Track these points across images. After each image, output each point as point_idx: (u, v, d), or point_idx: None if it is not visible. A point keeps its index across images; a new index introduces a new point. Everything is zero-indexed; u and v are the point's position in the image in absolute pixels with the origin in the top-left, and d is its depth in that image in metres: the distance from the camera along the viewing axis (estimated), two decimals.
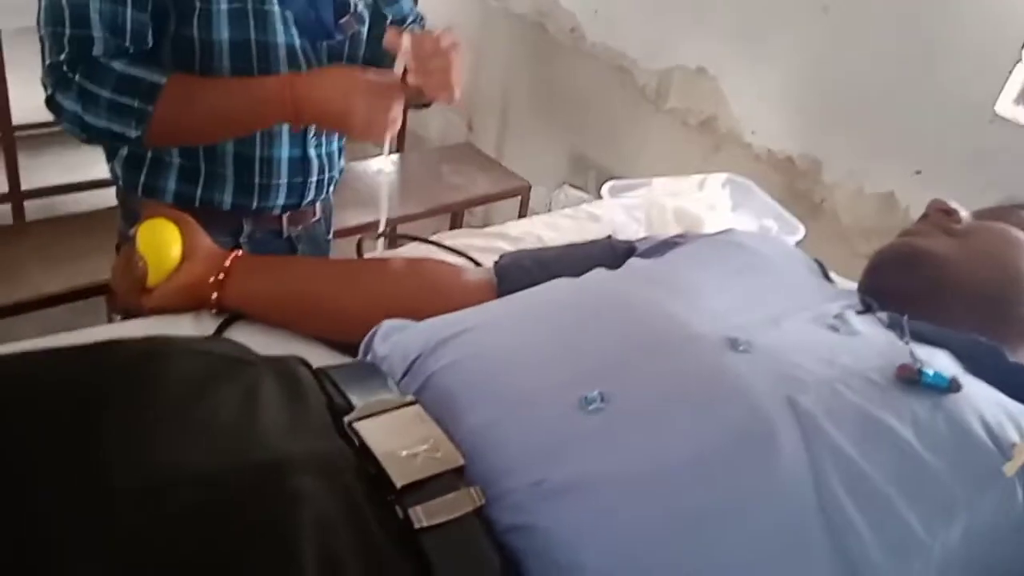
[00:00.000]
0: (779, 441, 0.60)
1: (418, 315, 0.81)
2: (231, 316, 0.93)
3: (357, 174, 2.48)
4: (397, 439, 0.60)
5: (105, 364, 0.62)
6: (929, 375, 0.66)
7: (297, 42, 1.14)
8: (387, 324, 0.80)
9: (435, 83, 1.05)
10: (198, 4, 1.04)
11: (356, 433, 0.61)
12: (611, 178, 1.37)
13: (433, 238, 1.23)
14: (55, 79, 1.01)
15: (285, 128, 1.19)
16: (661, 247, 0.95)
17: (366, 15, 1.25)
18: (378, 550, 0.53)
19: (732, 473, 0.59)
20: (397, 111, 1.06)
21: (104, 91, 1.00)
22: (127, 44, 1.02)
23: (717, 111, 2.28)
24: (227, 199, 1.21)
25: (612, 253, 0.99)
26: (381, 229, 1.14)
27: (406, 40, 1.01)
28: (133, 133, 1.03)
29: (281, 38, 1.11)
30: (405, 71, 1.03)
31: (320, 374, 0.69)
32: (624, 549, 0.56)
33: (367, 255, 1.12)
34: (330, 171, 1.32)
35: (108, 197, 1.37)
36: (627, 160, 2.53)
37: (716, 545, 0.56)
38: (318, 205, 1.36)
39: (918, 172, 1.87)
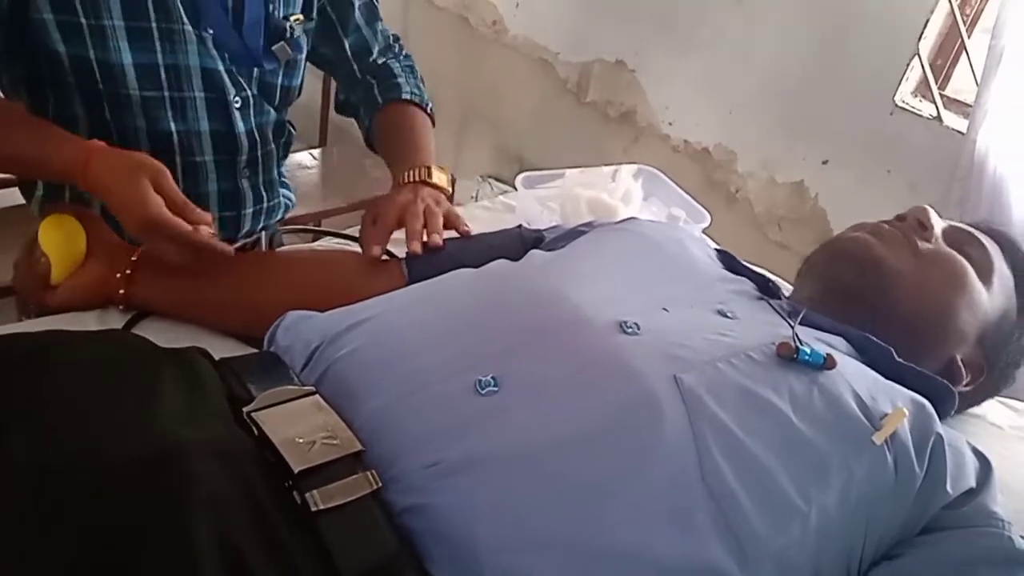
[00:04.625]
0: (664, 417, 0.63)
1: (326, 306, 0.81)
2: (139, 313, 0.92)
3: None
4: (295, 427, 0.61)
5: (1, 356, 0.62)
6: (806, 352, 0.70)
7: (221, 66, 1.02)
8: (291, 315, 0.80)
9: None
10: (83, 20, 0.91)
11: (255, 422, 0.62)
12: (534, 170, 1.39)
13: (347, 231, 1.23)
14: None
15: (209, 160, 1.08)
16: (567, 236, 0.98)
17: (304, 42, 1.13)
18: (275, 534, 0.54)
19: (619, 447, 0.62)
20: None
21: None
22: None
23: (636, 103, 2.33)
24: None
25: (521, 242, 1.02)
26: None
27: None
28: None
29: (195, 60, 0.99)
30: None
31: (221, 365, 0.70)
32: (515, 523, 0.58)
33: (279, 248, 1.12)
34: (270, 200, 1.21)
35: (14, 195, 1.31)
36: (550, 152, 2.56)
37: (603, 516, 0.59)
38: (263, 240, 1.26)
39: (825, 162, 1.95)
